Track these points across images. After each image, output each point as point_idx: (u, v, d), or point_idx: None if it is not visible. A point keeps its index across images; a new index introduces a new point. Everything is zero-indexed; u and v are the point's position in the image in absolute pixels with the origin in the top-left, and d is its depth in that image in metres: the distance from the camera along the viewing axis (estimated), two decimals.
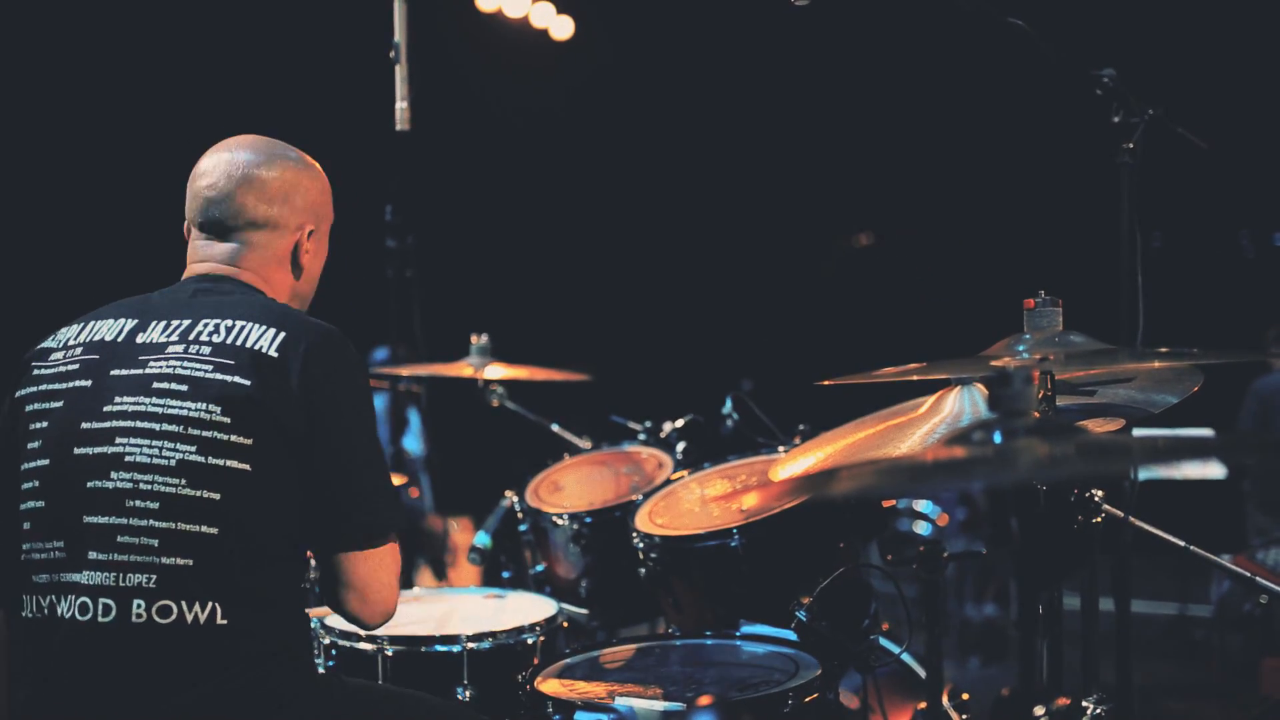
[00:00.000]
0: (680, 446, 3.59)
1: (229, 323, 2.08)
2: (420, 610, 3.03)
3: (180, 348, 2.06)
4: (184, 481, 1.98)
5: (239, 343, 2.05)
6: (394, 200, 4.24)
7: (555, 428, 4.04)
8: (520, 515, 3.51)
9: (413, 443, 5.71)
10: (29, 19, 5.44)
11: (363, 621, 2.15)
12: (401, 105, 3.22)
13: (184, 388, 2.02)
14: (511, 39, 6.84)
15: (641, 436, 3.75)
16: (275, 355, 2.04)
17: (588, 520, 3.28)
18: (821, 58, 7.27)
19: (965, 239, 7.74)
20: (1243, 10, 6.40)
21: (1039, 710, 1.66)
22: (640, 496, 3.18)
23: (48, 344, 2.15)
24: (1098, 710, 2.26)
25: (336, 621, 2.81)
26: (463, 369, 3.90)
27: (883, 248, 8.53)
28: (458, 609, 3.06)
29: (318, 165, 2.34)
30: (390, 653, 2.66)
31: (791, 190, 8.28)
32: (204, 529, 1.98)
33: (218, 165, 2.22)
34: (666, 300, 8.27)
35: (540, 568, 3.45)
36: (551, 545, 3.38)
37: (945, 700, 2.98)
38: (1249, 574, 2.69)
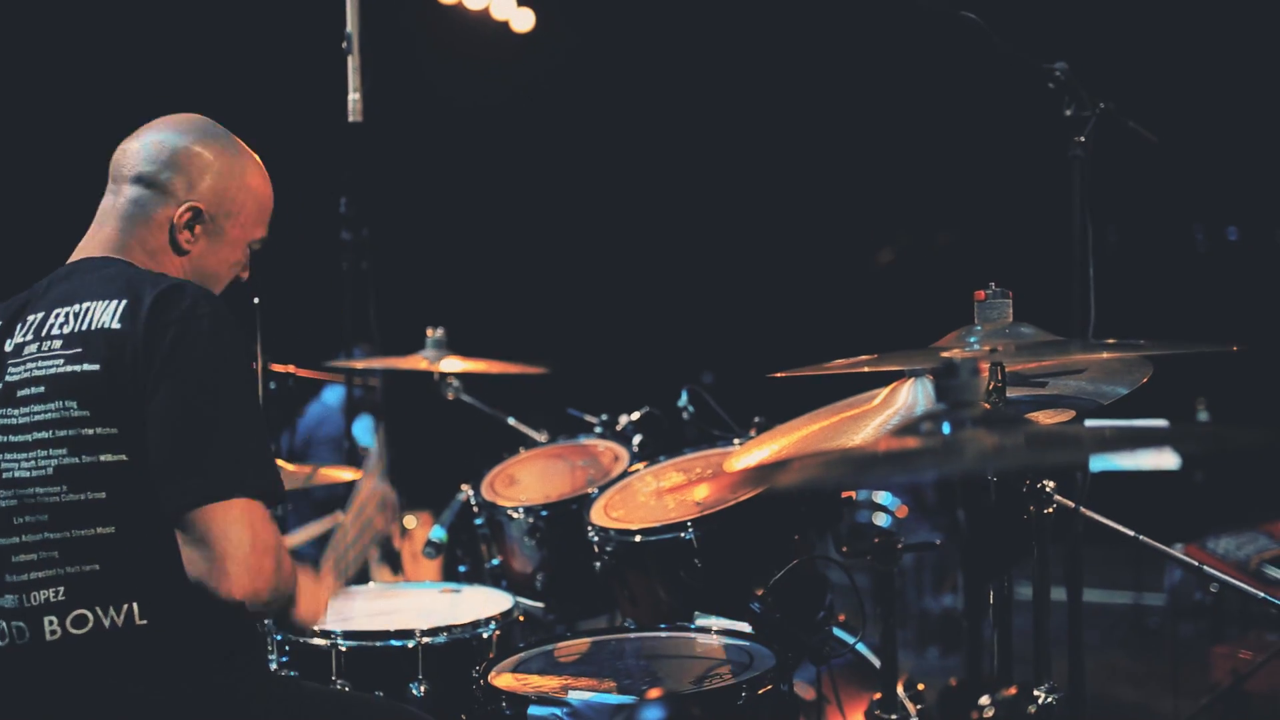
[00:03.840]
0: (636, 439, 3.59)
1: (76, 308, 1.99)
2: (375, 605, 3.01)
3: (34, 347, 1.98)
4: (65, 488, 1.91)
5: (85, 326, 1.96)
6: (349, 192, 4.21)
7: (511, 421, 4.03)
8: (476, 509, 3.49)
9: (367, 437, 5.67)
10: None
11: (218, 592, 1.84)
12: (354, 96, 3.18)
13: (41, 389, 1.94)
14: (472, 31, 6.79)
15: (597, 430, 3.75)
16: (118, 327, 1.93)
17: (543, 514, 3.27)
18: (779, 50, 7.29)
19: (918, 231, 7.79)
20: (1194, 4, 6.47)
21: (984, 700, 1.67)
22: (596, 490, 3.17)
23: None
24: (1049, 699, 2.27)
25: None
26: (418, 362, 3.88)
27: (843, 242, 8.54)
28: (413, 604, 3.04)
29: (263, 172, 2.23)
30: (344, 648, 2.64)
31: (749, 183, 8.29)
32: (99, 530, 1.91)
33: (155, 124, 2.18)
34: (624, 293, 8.27)
35: (496, 561, 3.43)
36: (507, 539, 3.37)
37: (900, 690, 2.99)
38: (1198, 563, 2.72)
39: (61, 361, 1.95)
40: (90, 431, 1.91)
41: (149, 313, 1.93)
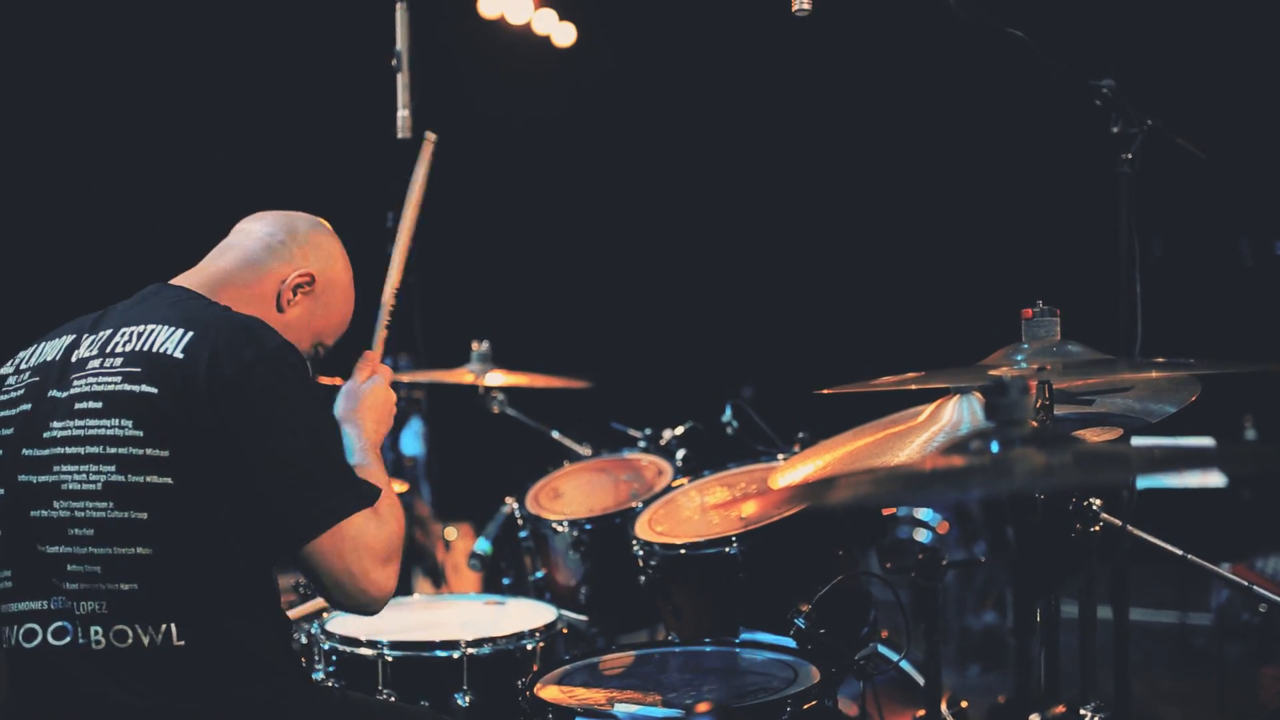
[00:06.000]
0: (680, 454, 3.60)
1: (140, 329, 2.03)
2: (419, 616, 3.04)
3: (97, 362, 2.02)
4: (112, 504, 1.94)
5: (147, 348, 2.00)
6: (395, 207, 4.23)
7: (555, 434, 4.05)
8: (520, 522, 3.52)
9: (414, 448, 5.72)
10: (27, 23, 5.45)
11: (357, 610, 2.03)
12: (403, 113, 3.22)
13: (99, 405, 1.97)
14: (513, 46, 6.85)
15: (641, 444, 3.77)
16: (181, 357, 1.97)
17: (587, 527, 3.30)
18: (822, 65, 7.29)
19: (964, 248, 7.74)
20: (1240, 19, 6.41)
21: (1034, 717, 1.67)
22: (640, 504, 3.19)
23: (5, 369, 2.14)
24: (1096, 718, 2.27)
25: (336, 626, 2.82)
26: (463, 376, 3.91)
27: (883, 256, 8.52)
28: (457, 615, 3.07)
29: (352, 300, 2.37)
30: (390, 658, 2.67)
31: (791, 197, 8.28)
32: (138, 550, 1.93)
33: (288, 212, 2.34)
34: (667, 307, 8.27)
35: (540, 574, 3.46)
36: (551, 552, 3.39)
37: (944, 708, 2.98)
38: (1247, 583, 2.69)
39: (120, 380, 1.98)
40: (141, 452, 1.94)
41: (216, 350, 1.97)
